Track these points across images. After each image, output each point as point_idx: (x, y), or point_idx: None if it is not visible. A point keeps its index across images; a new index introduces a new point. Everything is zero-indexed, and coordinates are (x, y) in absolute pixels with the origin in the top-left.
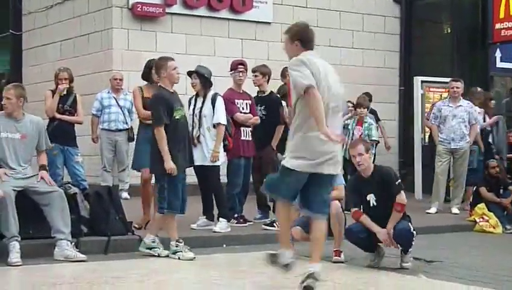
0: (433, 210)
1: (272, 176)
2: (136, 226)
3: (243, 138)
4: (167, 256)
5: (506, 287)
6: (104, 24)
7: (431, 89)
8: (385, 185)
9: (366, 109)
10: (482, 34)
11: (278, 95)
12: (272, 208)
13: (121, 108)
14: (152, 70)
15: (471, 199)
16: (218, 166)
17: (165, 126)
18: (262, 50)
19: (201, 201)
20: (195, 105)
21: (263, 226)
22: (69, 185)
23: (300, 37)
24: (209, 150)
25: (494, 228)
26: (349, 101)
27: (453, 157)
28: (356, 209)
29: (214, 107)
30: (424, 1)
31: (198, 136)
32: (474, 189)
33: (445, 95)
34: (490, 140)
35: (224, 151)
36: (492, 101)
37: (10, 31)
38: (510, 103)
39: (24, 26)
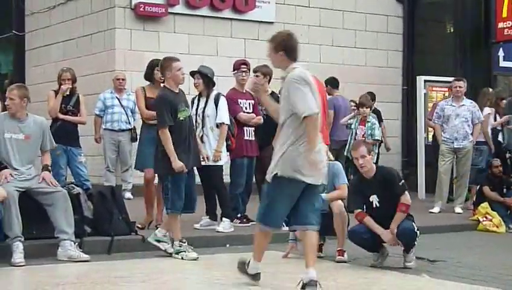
0: (436, 209)
1: (262, 205)
2: (139, 226)
3: (245, 137)
4: (171, 254)
5: (510, 286)
6: (106, 24)
7: (434, 89)
8: (388, 185)
9: (369, 109)
10: (485, 33)
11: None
12: None
13: (123, 108)
14: (154, 70)
15: (474, 198)
16: (221, 166)
17: (170, 127)
18: (265, 50)
19: (204, 201)
20: (198, 105)
21: None
22: (72, 185)
23: (285, 47)
24: (212, 149)
25: (497, 227)
26: (351, 101)
27: (456, 156)
28: (359, 210)
29: (217, 107)
30: (426, 0)
31: (202, 136)
32: (478, 188)
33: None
34: (500, 139)
35: (227, 151)
36: (504, 101)
37: (13, 31)
38: None
39: (27, 27)
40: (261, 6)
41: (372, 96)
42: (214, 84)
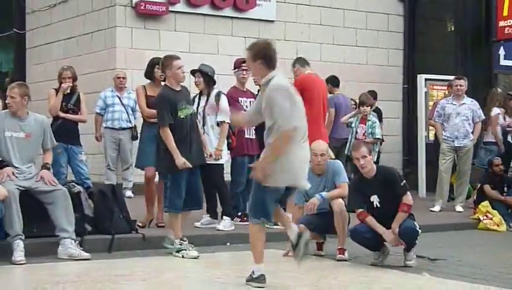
0: (437, 208)
1: (253, 200)
2: (140, 224)
3: (246, 136)
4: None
5: (510, 285)
6: (107, 22)
7: (435, 87)
8: (388, 185)
9: (369, 107)
10: (485, 32)
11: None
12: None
13: (124, 106)
14: (155, 68)
15: (475, 197)
16: (222, 164)
17: (170, 125)
18: None
19: (205, 199)
20: (198, 103)
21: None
22: (73, 183)
23: (263, 56)
24: (213, 148)
25: (498, 226)
26: (352, 99)
27: (457, 155)
28: (361, 210)
29: (217, 105)
30: None
31: (202, 134)
32: (479, 187)
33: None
34: (509, 139)
35: (228, 149)
36: None
37: (14, 29)
38: None
39: (28, 25)
40: (261, 4)
41: (373, 94)
42: (214, 82)
